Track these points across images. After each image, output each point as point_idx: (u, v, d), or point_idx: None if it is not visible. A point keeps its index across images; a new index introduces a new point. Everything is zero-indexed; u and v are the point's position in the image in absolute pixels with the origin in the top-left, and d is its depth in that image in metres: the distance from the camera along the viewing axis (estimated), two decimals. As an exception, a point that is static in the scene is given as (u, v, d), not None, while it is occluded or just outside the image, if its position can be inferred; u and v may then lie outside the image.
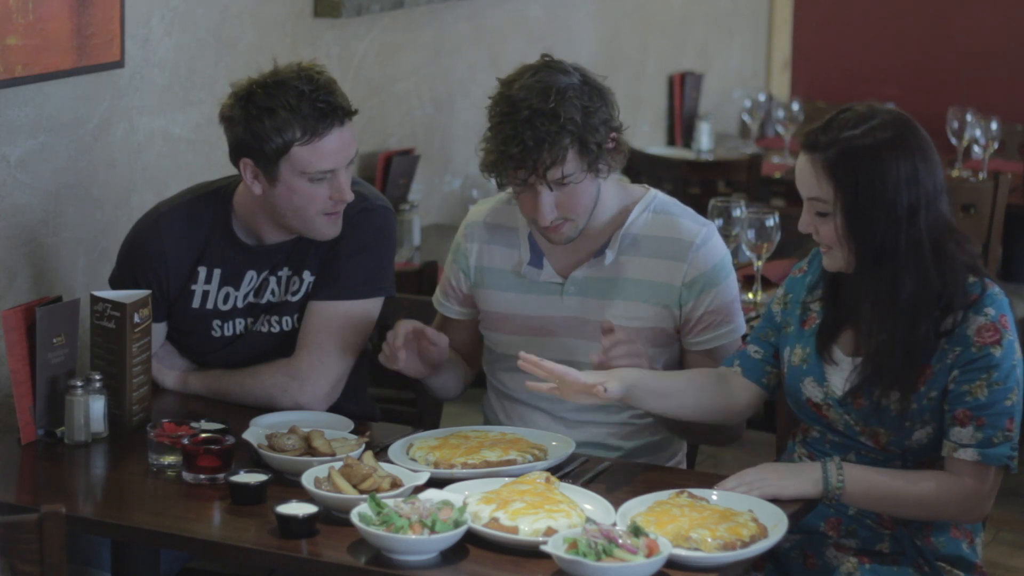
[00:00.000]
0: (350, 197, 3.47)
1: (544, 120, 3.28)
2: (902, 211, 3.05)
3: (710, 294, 3.43)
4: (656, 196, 3.53)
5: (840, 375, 3.18)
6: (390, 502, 2.84)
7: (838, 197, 3.08)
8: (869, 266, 3.09)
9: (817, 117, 3.24)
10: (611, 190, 3.49)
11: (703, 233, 3.46)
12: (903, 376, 3.09)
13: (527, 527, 2.85)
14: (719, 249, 3.47)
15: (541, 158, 3.28)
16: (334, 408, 3.51)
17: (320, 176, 3.42)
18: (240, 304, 3.58)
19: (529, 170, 3.30)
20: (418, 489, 3.00)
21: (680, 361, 3.51)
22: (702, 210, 3.93)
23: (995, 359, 3.07)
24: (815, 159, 3.10)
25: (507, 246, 3.56)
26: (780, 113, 6.70)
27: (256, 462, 3.17)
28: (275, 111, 3.39)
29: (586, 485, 3.11)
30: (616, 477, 3.20)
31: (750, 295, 4.46)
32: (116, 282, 3.59)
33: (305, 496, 2.96)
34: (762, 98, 6.92)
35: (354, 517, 2.83)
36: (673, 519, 2.89)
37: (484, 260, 3.57)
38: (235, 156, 3.47)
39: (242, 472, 3.07)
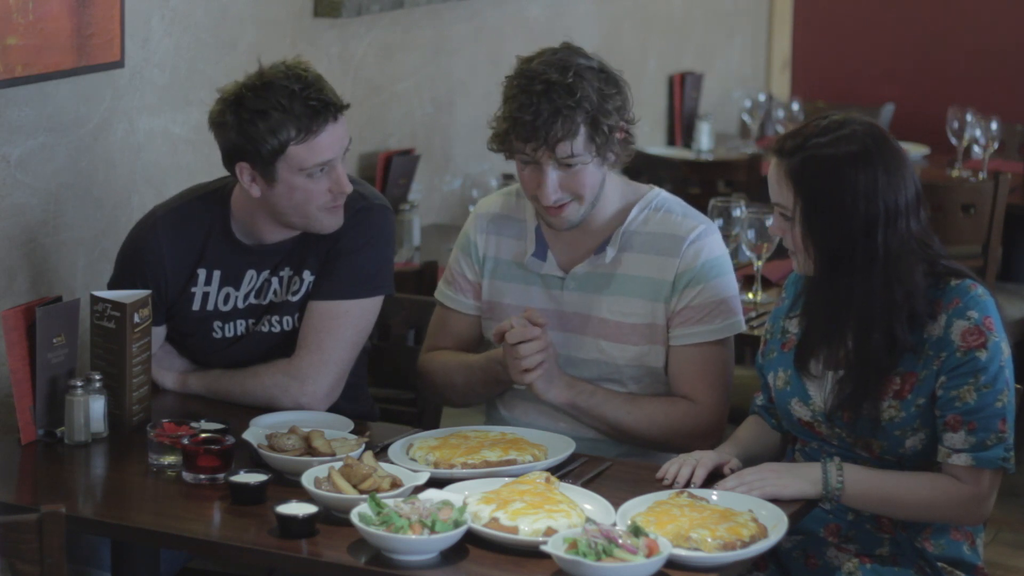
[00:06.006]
0: (349, 188, 3.47)
1: (561, 93, 3.29)
2: (859, 224, 3.05)
3: (696, 288, 3.43)
4: (659, 194, 3.53)
5: (820, 389, 3.18)
6: (390, 502, 2.84)
7: (797, 204, 3.09)
8: (826, 273, 3.10)
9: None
10: (616, 187, 3.49)
11: (698, 230, 3.46)
12: (867, 384, 3.09)
13: (527, 527, 2.85)
14: (714, 247, 3.46)
15: (553, 130, 3.28)
16: (334, 408, 3.51)
17: (318, 170, 3.42)
18: (240, 305, 3.58)
19: (540, 141, 3.30)
20: (418, 489, 3.00)
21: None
22: (702, 210, 3.92)
23: (981, 362, 3.06)
24: (780, 164, 3.12)
25: (514, 238, 3.57)
26: (780, 113, 6.70)
27: (256, 462, 3.17)
28: (268, 113, 3.39)
29: (586, 485, 3.11)
30: (616, 477, 3.20)
31: (750, 295, 4.46)
32: (114, 287, 3.57)
33: (305, 496, 2.96)
34: (762, 98, 6.92)
35: (354, 517, 2.83)
36: (673, 519, 2.89)
37: (491, 251, 3.58)
38: (230, 161, 3.47)
39: (242, 472, 3.07)
